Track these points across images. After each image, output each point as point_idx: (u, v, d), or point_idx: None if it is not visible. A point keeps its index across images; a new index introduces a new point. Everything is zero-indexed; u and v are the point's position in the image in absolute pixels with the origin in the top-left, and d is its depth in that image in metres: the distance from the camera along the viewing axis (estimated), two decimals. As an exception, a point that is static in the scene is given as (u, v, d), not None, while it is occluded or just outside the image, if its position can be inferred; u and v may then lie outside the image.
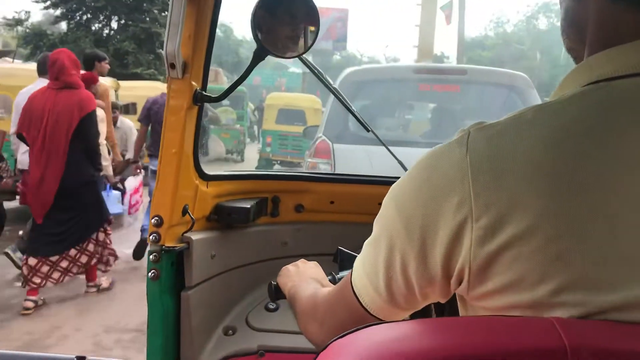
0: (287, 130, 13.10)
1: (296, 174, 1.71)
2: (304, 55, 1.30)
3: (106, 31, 25.01)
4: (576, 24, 0.68)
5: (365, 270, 0.71)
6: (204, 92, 1.32)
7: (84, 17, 24.49)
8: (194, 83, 1.29)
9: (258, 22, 1.14)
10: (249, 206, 1.48)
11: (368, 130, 1.60)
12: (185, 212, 1.34)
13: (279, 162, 13.17)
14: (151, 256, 1.29)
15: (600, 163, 0.54)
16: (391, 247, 0.65)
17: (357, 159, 3.84)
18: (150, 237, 1.29)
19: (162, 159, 1.30)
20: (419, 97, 5.14)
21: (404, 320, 0.62)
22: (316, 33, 1.22)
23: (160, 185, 1.30)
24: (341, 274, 1.12)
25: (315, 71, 1.47)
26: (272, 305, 1.53)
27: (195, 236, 1.36)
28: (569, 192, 0.54)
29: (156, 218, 1.29)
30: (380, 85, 4.54)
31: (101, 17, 24.84)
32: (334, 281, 1.08)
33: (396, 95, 4.82)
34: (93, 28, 24.77)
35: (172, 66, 1.24)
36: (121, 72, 21.72)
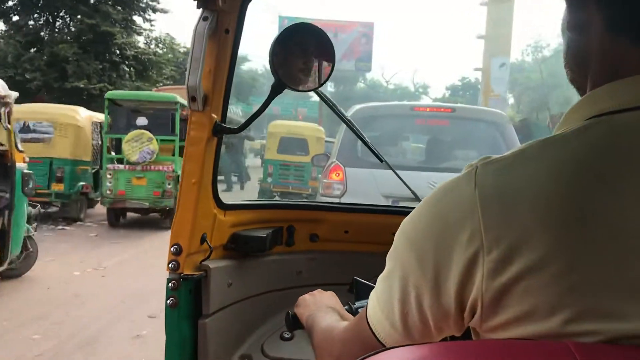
0: (289, 160, 12.74)
1: (311, 204, 1.73)
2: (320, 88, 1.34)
3: (49, 31, 19.99)
4: (579, 57, 0.68)
5: (381, 306, 0.71)
6: (223, 124, 1.37)
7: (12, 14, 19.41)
8: (214, 115, 1.34)
9: (276, 56, 1.19)
10: (265, 235, 1.51)
11: (382, 161, 1.62)
12: (203, 240, 1.37)
13: (279, 194, 12.59)
14: (170, 284, 1.32)
15: (606, 196, 0.55)
16: (405, 282, 0.66)
17: (365, 180, 4.68)
18: (170, 265, 1.32)
19: (182, 189, 1.34)
20: (416, 130, 6.29)
21: (422, 344, 0.62)
22: (332, 67, 1.27)
23: (180, 214, 1.34)
24: (357, 304, 1.13)
25: (330, 104, 1.51)
26: (287, 335, 1.53)
27: (212, 264, 1.39)
28: (576, 224, 0.55)
29: (175, 246, 1.32)
30: (384, 120, 5.46)
31: (36, 12, 19.78)
32: (351, 311, 1.09)
33: (398, 129, 5.77)
34: (28, 26, 19.46)
35: (193, 99, 1.29)
36: (56, 87, 17.51)
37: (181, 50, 24.23)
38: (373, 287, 0.75)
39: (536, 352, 0.52)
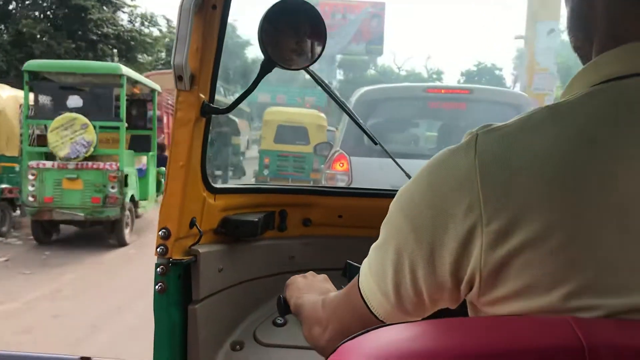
0: (287, 150, 11.85)
1: (304, 188, 1.71)
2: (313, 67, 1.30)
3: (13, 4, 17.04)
4: (583, 22, 0.67)
5: (373, 275, 0.70)
6: (211, 104, 1.33)
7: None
8: (201, 95, 1.30)
9: (265, 34, 1.16)
10: (256, 219, 1.48)
11: (376, 144, 1.61)
12: (192, 224, 1.33)
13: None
14: (158, 269, 1.28)
15: (611, 167, 0.54)
16: (399, 251, 0.64)
17: (372, 170, 4.17)
18: (158, 249, 1.28)
19: (169, 172, 1.30)
20: (429, 114, 5.59)
21: (414, 321, 0.61)
22: (323, 45, 1.24)
23: (168, 198, 1.29)
24: None
25: (323, 84, 1.48)
26: (280, 320, 1.52)
27: (202, 249, 1.35)
28: (581, 196, 0.53)
29: (163, 230, 1.28)
30: (393, 103, 5.03)
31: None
32: None
33: (408, 113, 5.27)
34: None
35: (180, 78, 1.24)
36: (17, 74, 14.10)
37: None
38: None
39: (536, 328, 0.52)
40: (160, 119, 11.17)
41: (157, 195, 8.98)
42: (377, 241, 0.70)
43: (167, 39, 24.09)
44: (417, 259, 0.63)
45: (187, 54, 1.22)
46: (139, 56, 19.97)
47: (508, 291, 0.57)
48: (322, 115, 12.64)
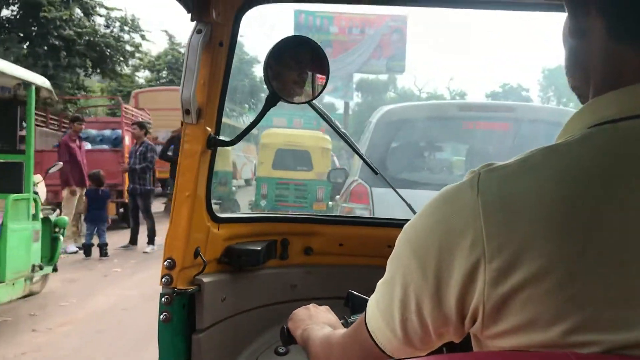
0: (287, 177, 10.48)
1: (305, 216, 1.73)
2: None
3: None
4: (580, 63, 0.68)
5: (380, 311, 0.71)
6: (217, 137, 1.37)
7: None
8: (208, 128, 1.34)
9: (270, 69, 1.22)
10: (259, 249, 1.50)
11: (376, 174, 1.63)
12: (197, 254, 1.36)
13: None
14: (163, 299, 1.30)
15: (609, 206, 0.56)
16: (406, 287, 0.66)
17: (397, 203, 3.62)
18: (163, 279, 1.31)
19: (175, 202, 1.33)
20: (463, 135, 4.78)
21: (420, 357, 0.63)
22: (326, 80, 1.29)
23: (173, 228, 1.32)
24: (353, 317, 1.12)
25: (324, 116, 1.52)
26: (282, 350, 1.51)
27: (206, 279, 1.37)
28: (579, 234, 0.55)
29: (169, 260, 1.30)
30: (420, 124, 4.34)
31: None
32: (346, 325, 1.08)
33: (437, 135, 4.55)
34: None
35: (187, 112, 1.29)
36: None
37: (180, 49, 20.57)
38: (368, 300, 0.74)
39: None
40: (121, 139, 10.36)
41: (42, 268, 5.26)
42: (384, 277, 0.71)
43: (169, 56, 23.29)
44: (424, 294, 0.64)
45: (194, 88, 1.27)
46: (118, 68, 17.72)
47: (510, 326, 0.58)
48: (327, 137, 11.20)
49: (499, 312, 0.58)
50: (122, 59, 17.62)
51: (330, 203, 10.42)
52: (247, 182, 18.11)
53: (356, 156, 4.68)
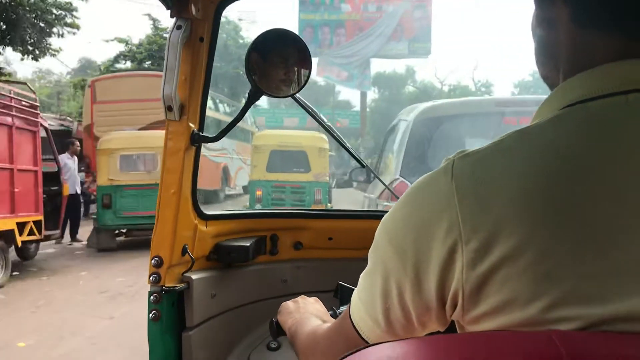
0: (283, 180, 10.21)
1: (294, 211, 1.72)
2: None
3: None
4: (549, 52, 0.70)
5: (363, 302, 0.72)
6: (201, 133, 1.36)
7: None
8: (191, 124, 1.33)
9: (252, 63, 1.21)
10: (248, 245, 1.49)
11: (364, 167, 1.63)
12: (184, 252, 1.35)
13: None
14: (152, 297, 1.30)
15: (580, 184, 0.56)
16: (386, 277, 0.67)
17: None
18: (151, 277, 1.30)
19: (161, 200, 1.32)
20: (504, 131, 4.74)
21: (400, 339, 0.63)
22: (308, 73, 1.28)
23: (160, 226, 1.32)
24: (342, 308, 1.13)
25: (309, 110, 1.52)
26: (274, 344, 1.52)
27: (195, 276, 1.37)
28: (551, 212, 0.56)
29: (156, 258, 1.30)
30: (460, 120, 4.36)
31: None
32: (335, 316, 1.08)
33: (478, 131, 4.47)
34: None
35: (170, 109, 1.29)
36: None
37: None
38: None
39: (518, 342, 0.53)
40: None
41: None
42: (366, 269, 0.72)
43: (153, 44, 20.35)
44: (404, 283, 0.65)
45: (176, 84, 1.27)
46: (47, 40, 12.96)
47: (490, 307, 0.58)
48: (324, 136, 10.61)
49: (478, 294, 0.59)
50: (42, 24, 12.67)
51: (329, 205, 10.30)
52: (245, 189, 16.31)
53: (392, 155, 4.77)
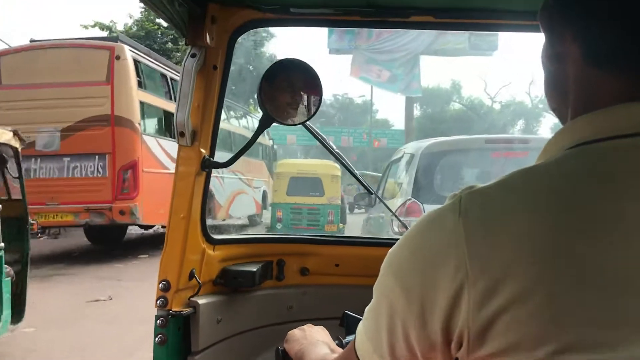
0: (301, 202, 11.64)
1: (300, 237, 1.73)
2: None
3: None
4: (558, 86, 0.70)
5: (368, 337, 0.71)
6: (211, 159, 1.39)
7: None
8: (202, 150, 1.36)
9: (264, 92, 1.24)
10: (254, 270, 1.50)
11: (371, 194, 1.64)
12: (192, 276, 1.36)
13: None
14: (158, 321, 1.31)
15: (584, 227, 0.56)
16: (392, 313, 0.66)
17: None
18: (158, 301, 1.31)
19: (170, 224, 1.34)
20: (493, 163, 5.86)
21: None
22: (319, 101, 1.31)
23: (168, 250, 1.33)
24: (348, 338, 1.12)
25: (319, 137, 1.54)
26: None
27: (201, 300, 1.37)
28: (557, 256, 0.55)
29: (163, 282, 1.31)
30: (457, 154, 5.44)
31: None
32: (341, 345, 1.08)
33: (472, 163, 5.66)
34: None
35: (182, 134, 1.32)
36: None
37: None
38: None
39: None
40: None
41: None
42: (371, 303, 0.71)
43: (134, 28, 17.52)
44: (409, 319, 0.64)
45: (188, 111, 1.30)
46: None
47: (495, 349, 0.58)
48: (337, 165, 11.57)
49: (484, 336, 0.58)
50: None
51: (341, 225, 11.80)
52: (251, 218, 14.97)
53: (396, 181, 5.64)
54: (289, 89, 1.29)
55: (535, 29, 1.43)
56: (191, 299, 1.37)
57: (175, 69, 11.65)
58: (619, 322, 0.53)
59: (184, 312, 1.33)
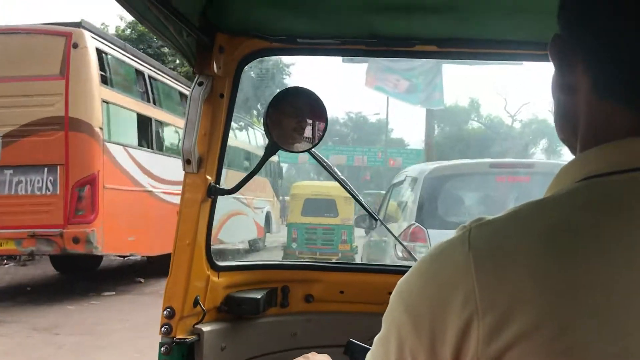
0: (315, 223, 11.98)
1: (305, 264, 1.73)
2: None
3: None
4: (568, 117, 0.69)
5: None
6: (217, 186, 1.40)
7: None
8: (208, 177, 1.37)
9: (269, 119, 1.26)
10: (259, 297, 1.50)
11: (376, 220, 1.64)
12: (196, 303, 1.37)
13: (305, 260, 10.65)
14: (162, 348, 1.31)
15: (595, 260, 0.55)
16: (401, 345, 0.66)
17: None
18: (162, 329, 1.32)
19: (175, 250, 1.35)
20: (496, 187, 5.92)
21: None
22: (325, 128, 1.33)
23: (173, 277, 1.34)
24: None
25: (324, 164, 1.54)
26: None
27: (206, 328, 1.37)
28: (567, 289, 0.55)
29: (168, 309, 1.32)
30: (461, 178, 5.49)
31: None
32: None
33: (475, 187, 5.69)
34: None
35: (188, 162, 1.34)
36: None
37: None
38: (369, 349, 0.74)
39: None
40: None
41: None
42: (380, 333, 0.71)
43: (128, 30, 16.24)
44: (419, 352, 0.64)
45: (195, 139, 1.32)
46: None
47: None
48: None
49: None
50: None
51: (354, 244, 12.10)
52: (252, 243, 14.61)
53: (398, 204, 5.69)
54: (294, 116, 1.31)
55: (539, 58, 1.46)
56: (195, 326, 1.37)
57: (164, 70, 10.30)
58: (628, 356, 0.53)
59: (188, 340, 1.33)
